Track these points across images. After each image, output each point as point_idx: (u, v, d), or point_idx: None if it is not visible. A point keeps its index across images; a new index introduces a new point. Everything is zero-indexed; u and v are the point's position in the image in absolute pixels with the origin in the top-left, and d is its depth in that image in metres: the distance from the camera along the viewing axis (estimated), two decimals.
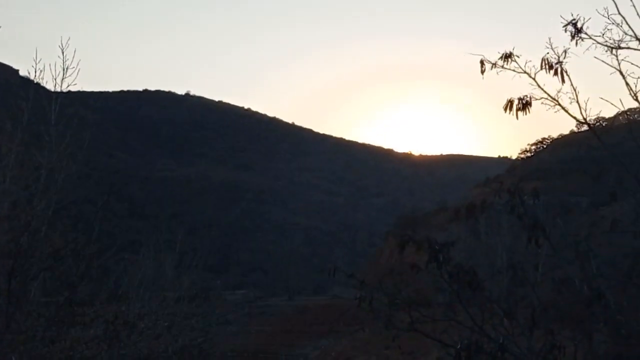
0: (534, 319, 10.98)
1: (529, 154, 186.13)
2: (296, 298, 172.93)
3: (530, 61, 11.11)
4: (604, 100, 10.99)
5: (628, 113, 12.00)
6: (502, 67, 11.20)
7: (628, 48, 10.74)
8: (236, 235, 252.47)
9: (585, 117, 11.14)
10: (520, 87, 11.22)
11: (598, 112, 11.28)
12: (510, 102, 11.01)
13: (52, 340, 13.70)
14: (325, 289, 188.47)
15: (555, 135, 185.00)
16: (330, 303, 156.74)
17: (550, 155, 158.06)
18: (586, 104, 11.06)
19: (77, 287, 13.88)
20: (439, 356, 10.52)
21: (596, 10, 10.99)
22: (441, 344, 11.81)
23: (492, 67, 11.29)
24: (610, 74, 10.83)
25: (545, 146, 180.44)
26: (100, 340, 14.67)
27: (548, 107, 10.95)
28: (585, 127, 12.25)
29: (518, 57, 11.16)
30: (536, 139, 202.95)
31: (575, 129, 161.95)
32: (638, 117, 12.31)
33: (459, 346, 10.24)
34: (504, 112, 11.03)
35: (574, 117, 11.17)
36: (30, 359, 13.16)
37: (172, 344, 19.66)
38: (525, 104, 10.93)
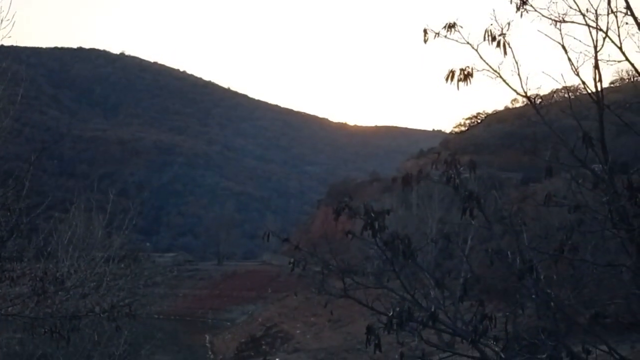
0: (465, 288, 11.05)
1: (463, 128, 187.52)
2: (225, 263, 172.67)
3: (472, 33, 11.11)
4: (546, 74, 11.04)
5: (566, 90, 12.07)
6: (445, 37, 11.17)
7: (572, 22, 10.80)
8: (167, 198, 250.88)
9: (525, 90, 11.17)
10: (460, 61, 11.21)
11: (538, 86, 11.32)
12: (452, 73, 11.00)
13: None
14: (255, 254, 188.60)
15: (489, 110, 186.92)
16: (259, 269, 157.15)
17: (484, 131, 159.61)
18: (527, 78, 11.09)
19: (6, 242, 13.61)
20: (370, 323, 10.49)
21: None
22: (372, 311, 11.83)
23: (435, 36, 11.25)
24: (553, 48, 10.89)
25: (479, 121, 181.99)
26: (26, 297, 14.42)
27: (489, 78, 10.96)
28: (520, 103, 12.31)
29: (462, 27, 11.15)
30: (471, 113, 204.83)
31: (510, 105, 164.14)
32: (571, 95, 12.36)
33: (390, 313, 10.25)
34: (445, 82, 11.02)
35: (515, 90, 11.19)
36: None
37: (100, 304, 19.44)
38: (466, 75, 10.92)
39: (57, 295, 16.02)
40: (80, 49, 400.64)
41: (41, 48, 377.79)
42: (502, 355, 10.19)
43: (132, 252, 29.84)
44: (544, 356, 9.89)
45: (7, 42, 17.30)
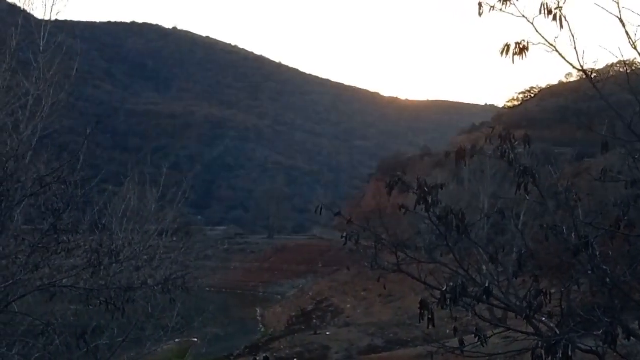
0: (520, 263, 10.96)
1: (516, 103, 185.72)
2: (276, 236, 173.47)
3: (527, 7, 10.94)
4: (603, 48, 10.83)
5: (624, 63, 11.85)
6: (501, 10, 11.01)
7: None
8: (219, 172, 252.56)
9: (582, 64, 10.96)
10: (512, 35, 11.05)
11: (595, 60, 11.11)
12: (507, 46, 10.85)
13: (36, 266, 13.61)
14: (305, 228, 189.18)
15: (543, 85, 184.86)
16: (309, 243, 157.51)
17: (537, 105, 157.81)
18: (583, 52, 10.89)
19: (62, 214, 13.77)
20: (423, 298, 10.46)
21: None
22: (423, 287, 11.80)
23: (490, 9, 11.10)
24: (610, 21, 10.69)
25: (533, 95, 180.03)
26: (81, 270, 14.61)
27: (543, 52, 10.79)
28: (574, 78, 12.03)
29: (517, 0, 10.98)
30: (524, 88, 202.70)
31: (565, 79, 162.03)
32: (628, 69, 12.10)
33: (444, 288, 10.22)
34: (500, 55, 10.88)
35: (571, 64, 10.99)
36: (8, 284, 13.09)
37: (153, 277, 19.67)
38: (522, 49, 10.78)
39: (111, 268, 16.21)
40: (133, 24, 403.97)
41: (95, 23, 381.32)
42: (557, 331, 10.10)
43: (184, 226, 30.03)
44: (599, 332, 9.79)
45: (61, 17, 17.50)
